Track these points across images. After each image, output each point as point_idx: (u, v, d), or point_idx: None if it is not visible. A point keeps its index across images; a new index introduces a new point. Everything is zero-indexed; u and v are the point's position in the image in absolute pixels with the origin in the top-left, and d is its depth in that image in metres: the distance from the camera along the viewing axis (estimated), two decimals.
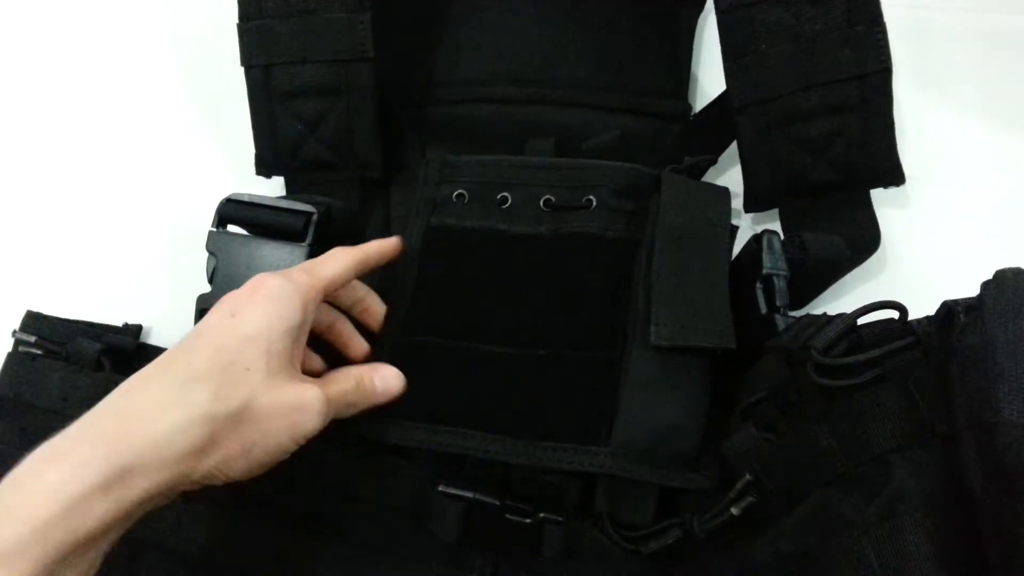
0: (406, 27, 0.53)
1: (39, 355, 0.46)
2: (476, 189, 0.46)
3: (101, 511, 0.30)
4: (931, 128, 0.52)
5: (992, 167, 0.52)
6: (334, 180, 0.50)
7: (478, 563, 0.41)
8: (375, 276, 0.45)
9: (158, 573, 0.41)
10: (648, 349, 0.40)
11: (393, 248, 0.45)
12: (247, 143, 0.51)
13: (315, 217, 0.47)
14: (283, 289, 0.37)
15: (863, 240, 0.47)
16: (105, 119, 0.58)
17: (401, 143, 0.52)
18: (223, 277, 0.46)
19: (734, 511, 0.37)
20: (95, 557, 0.31)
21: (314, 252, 0.46)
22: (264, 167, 0.51)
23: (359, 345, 0.44)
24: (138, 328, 0.50)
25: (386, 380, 0.40)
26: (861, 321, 0.36)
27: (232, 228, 0.48)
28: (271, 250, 0.47)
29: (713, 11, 0.46)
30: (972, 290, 0.32)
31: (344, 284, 0.42)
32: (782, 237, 0.44)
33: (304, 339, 0.38)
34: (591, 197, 0.45)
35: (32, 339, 0.47)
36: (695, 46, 0.55)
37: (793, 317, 0.40)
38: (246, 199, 0.47)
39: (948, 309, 0.32)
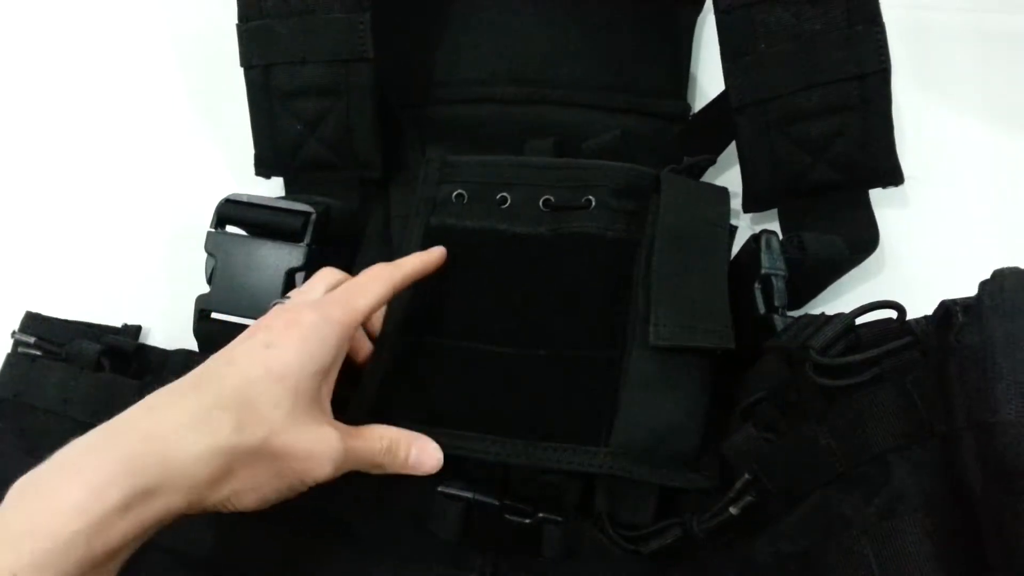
0: (406, 27, 0.53)
1: (39, 356, 0.46)
2: (476, 189, 0.46)
3: (121, 530, 0.30)
4: (931, 128, 0.52)
5: (991, 167, 0.52)
6: (334, 180, 0.50)
7: (478, 563, 0.41)
8: None
9: (158, 573, 0.41)
10: (648, 349, 0.40)
11: (437, 261, 0.44)
12: (247, 143, 0.51)
13: (314, 217, 0.47)
14: (319, 329, 0.36)
15: (862, 240, 0.47)
16: (105, 119, 0.58)
17: (401, 143, 0.52)
18: (222, 277, 0.46)
19: (733, 510, 0.37)
20: (112, 570, 0.31)
21: (313, 252, 0.47)
22: (264, 167, 0.51)
23: (365, 347, 0.44)
24: (137, 329, 0.50)
25: (422, 455, 0.39)
26: (859, 321, 0.36)
27: (231, 229, 0.48)
28: (270, 250, 0.47)
29: (712, 11, 0.46)
30: (970, 290, 0.32)
31: (380, 307, 0.41)
32: (781, 237, 0.44)
33: (335, 376, 0.38)
34: (591, 197, 0.45)
35: (31, 340, 0.47)
36: (695, 46, 0.55)
37: (791, 317, 0.40)
38: (245, 199, 0.48)
39: (946, 309, 0.32)
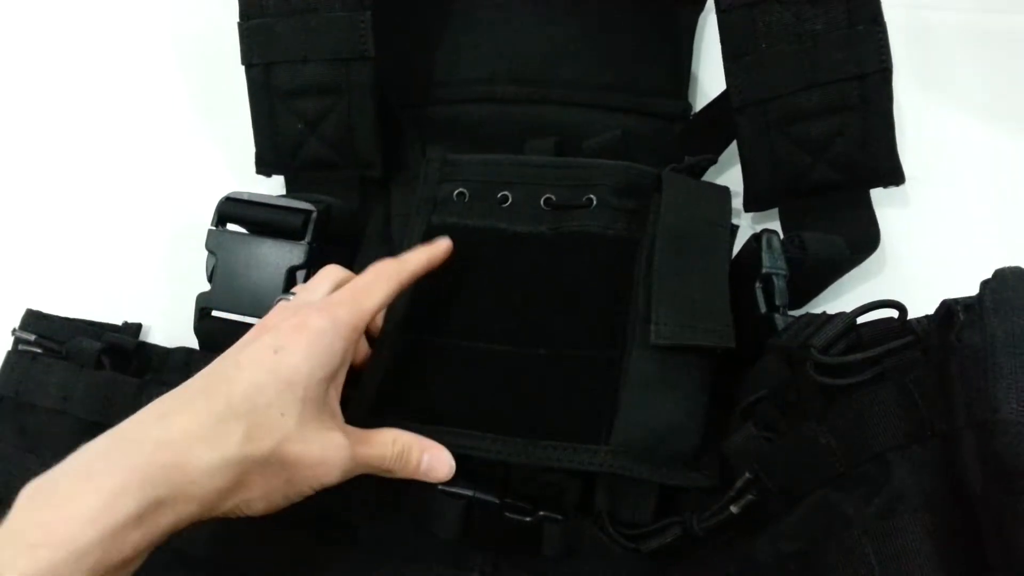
0: (406, 27, 0.53)
1: (39, 354, 0.46)
2: (477, 188, 0.46)
3: (135, 539, 0.30)
4: (932, 128, 0.52)
5: (992, 167, 0.52)
6: (334, 179, 0.50)
7: (478, 562, 0.41)
8: None
9: (158, 571, 0.41)
10: (648, 348, 0.40)
11: (443, 254, 0.43)
12: (247, 142, 0.51)
13: (314, 215, 0.47)
14: (327, 334, 0.36)
15: (863, 240, 0.47)
16: (105, 118, 0.58)
17: (401, 143, 0.52)
18: (223, 275, 0.46)
19: (733, 509, 0.37)
20: None
21: (313, 250, 0.47)
22: (264, 166, 0.51)
23: (363, 347, 0.44)
24: (137, 327, 0.50)
25: (434, 461, 0.39)
26: (861, 320, 0.36)
27: (231, 227, 0.48)
28: (270, 248, 0.47)
29: (713, 11, 0.46)
30: (971, 290, 0.32)
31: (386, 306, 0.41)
32: (781, 237, 0.44)
33: (343, 379, 0.38)
34: (591, 196, 0.45)
35: (32, 338, 0.46)
36: (695, 46, 0.55)
37: (792, 316, 0.40)
38: (245, 197, 0.48)
39: (947, 308, 0.32)
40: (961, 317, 0.31)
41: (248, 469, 0.33)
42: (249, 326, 0.45)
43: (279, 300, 0.40)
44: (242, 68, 0.49)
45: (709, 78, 0.55)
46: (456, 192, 0.47)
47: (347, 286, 0.39)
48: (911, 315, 0.35)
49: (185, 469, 0.31)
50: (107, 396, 0.44)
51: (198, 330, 0.47)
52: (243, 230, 0.48)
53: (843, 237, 0.46)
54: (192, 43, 0.59)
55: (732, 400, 0.41)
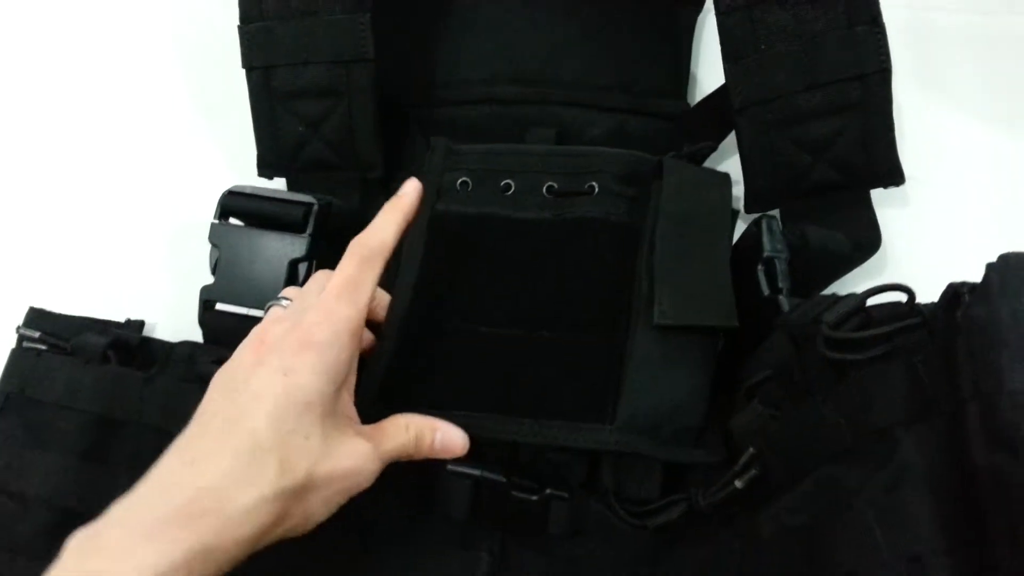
0: (406, 28, 0.54)
1: (44, 351, 0.46)
2: (480, 176, 0.47)
3: None
4: (931, 130, 0.52)
5: (992, 168, 0.52)
6: (336, 181, 0.50)
7: (486, 543, 0.41)
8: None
9: None
10: (651, 329, 0.40)
11: (412, 204, 0.41)
12: (248, 143, 0.51)
13: (315, 208, 0.47)
14: (333, 346, 0.36)
15: (864, 241, 0.47)
16: (107, 119, 0.59)
17: (405, 139, 0.52)
18: (226, 268, 0.47)
19: (738, 484, 0.37)
20: None
21: (314, 243, 0.47)
22: (266, 168, 0.51)
23: (367, 337, 0.44)
24: (140, 324, 0.50)
25: (446, 439, 0.39)
26: (870, 302, 0.36)
27: (233, 221, 0.48)
28: (272, 241, 0.47)
29: (709, 14, 0.46)
30: None
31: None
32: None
33: (353, 379, 0.38)
34: (593, 183, 0.45)
35: (36, 335, 0.47)
36: (695, 46, 0.55)
37: (796, 300, 0.40)
38: (248, 191, 0.48)
39: (953, 291, 0.33)
40: (967, 298, 0.31)
41: (287, 501, 0.33)
42: (251, 319, 0.46)
43: (271, 306, 0.40)
44: (243, 70, 0.49)
45: (708, 78, 0.55)
46: (460, 181, 0.47)
47: (335, 281, 0.38)
48: None
49: (226, 513, 0.31)
50: (114, 390, 0.44)
51: (202, 322, 0.47)
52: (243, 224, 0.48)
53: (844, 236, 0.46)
54: (195, 45, 0.60)
55: (737, 384, 0.41)
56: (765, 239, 0.42)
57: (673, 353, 0.40)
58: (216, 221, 0.48)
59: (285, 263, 0.46)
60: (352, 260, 0.38)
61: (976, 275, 0.32)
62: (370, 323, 0.44)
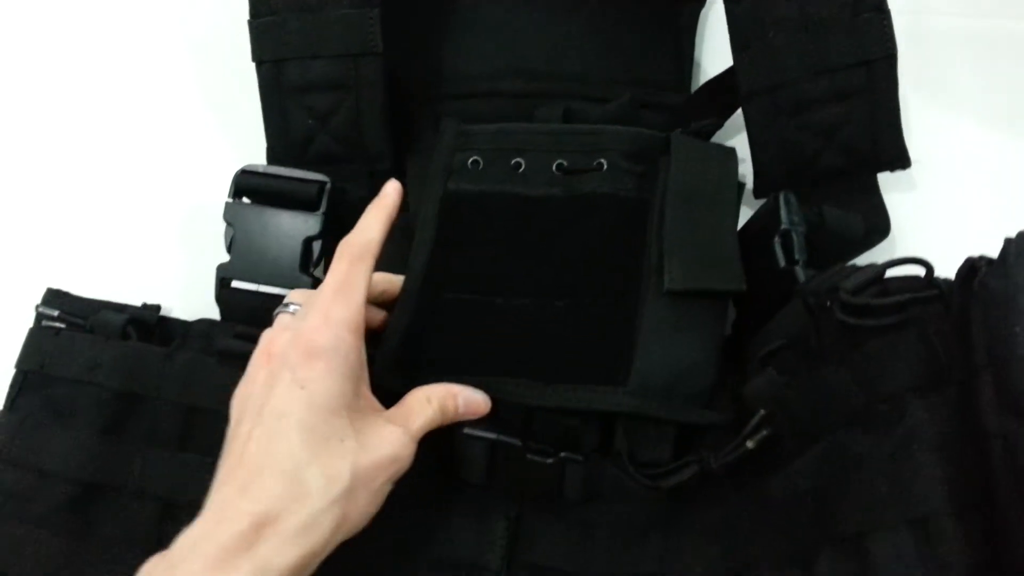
0: (411, 23, 0.54)
1: (63, 329, 0.47)
2: (490, 155, 0.47)
3: None
4: (931, 133, 0.52)
5: (992, 167, 0.53)
6: (345, 174, 0.50)
7: (502, 508, 0.42)
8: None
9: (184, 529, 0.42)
10: (662, 296, 0.41)
11: (394, 203, 0.42)
12: (258, 135, 0.51)
13: (328, 186, 0.48)
14: (338, 349, 0.36)
15: (872, 225, 0.47)
16: (119, 111, 0.59)
17: (414, 133, 0.52)
18: (241, 246, 0.47)
19: (750, 444, 0.38)
20: None
21: (328, 220, 0.48)
22: (276, 161, 0.51)
23: (376, 315, 0.44)
24: (157, 307, 0.50)
25: (468, 401, 0.40)
26: (888, 275, 0.37)
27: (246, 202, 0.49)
28: (287, 219, 0.47)
29: (713, 5, 0.46)
30: None
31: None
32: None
33: (366, 372, 0.38)
34: (602, 160, 0.46)
35: (55, 313, 0.47)
36: (699, 39, 0.56)
37: (812, 271, 0.41)
38: (261, 170, 0.48)
39: (971, 263, 0.33)
40: (984, 270, 0.32)
41: (341, 504, 0.34)
42: (267, 295, 0.47)
43: (279, 312, 0.40)
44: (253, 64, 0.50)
45: (712, 71, 0.55)
46: (471, 160, 0.47)
47: (328, 284, 0.38)
48: None
49: (285, 533, 0.32)
50: (134, 366, 0.45)
51: (219, 299, 0.47)
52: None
53: None
54: (206, 36, 0.60)
55: (751, 355, 0.42)
56: (783, 211, 0.42)
57: (684, 318, 0.41)
58: (230, 200, 0.48)
59: (300, 241, 0.47)
60: (342, 261, 0.39)
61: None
62: (382, 301, 0.45)
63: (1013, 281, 0.30)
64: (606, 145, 0.46)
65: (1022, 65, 0.55)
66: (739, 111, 0.49)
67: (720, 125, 0.50)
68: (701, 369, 0.41)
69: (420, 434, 0.38)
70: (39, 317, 0.48)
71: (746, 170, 0.48)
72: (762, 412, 0.38)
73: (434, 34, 0.55)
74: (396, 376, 0.42)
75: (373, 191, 0.50)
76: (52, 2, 0.62)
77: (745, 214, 0.47)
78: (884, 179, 0.48)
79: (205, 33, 0.60)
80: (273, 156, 0.51)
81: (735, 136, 0.51)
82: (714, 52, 0.56)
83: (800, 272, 0.41)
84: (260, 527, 0.32)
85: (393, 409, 0.39)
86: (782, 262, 0.41)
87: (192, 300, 0.49)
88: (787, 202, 0.43)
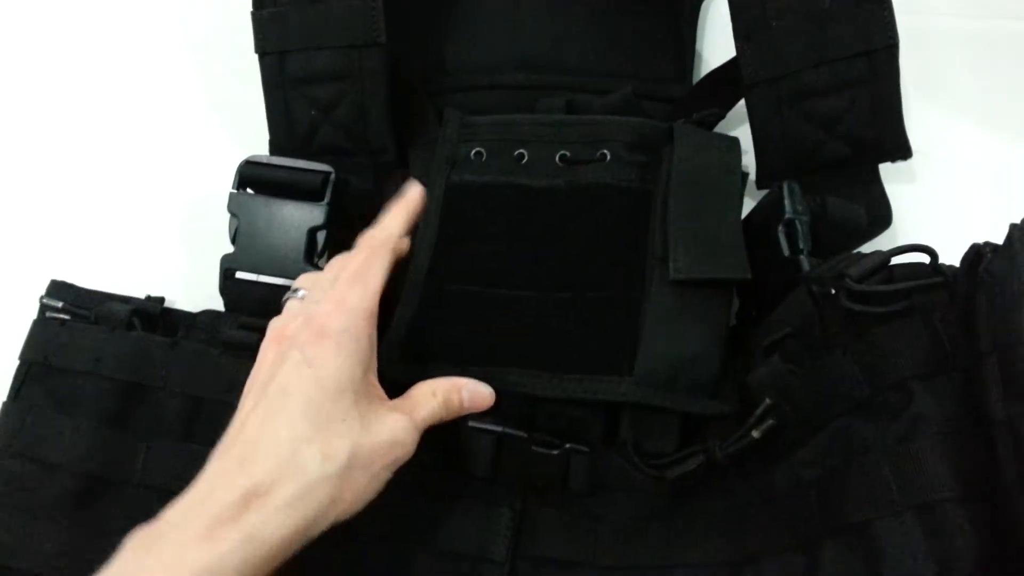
0: (415, 14, 0.54)
1: (67, 320, 0.47)
2: (494, 147, 0.47)
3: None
4: (931, 129, 0.52)
5: (992, 161, 0.53)
6: (348, 166, 0.50)
7: (507, 499, 0.42)
8: None
9: None
10: (666, 285, 0.41)
11: (418, 203, 0.44)
12: (260, 127, 0.51)
13: (332, 176, 0.48)
14: (349, 331, 0.37)
15: (874, 216, 0.47)
16: (121, 105, 0.59)
17: (419, 111, 0.52)
18: (245, 237, 0.47)
19: (755, 434, 0.38)
20: None
21: (332, 211, 0.47)
22: (278, 154, 0.51)
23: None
24: (161, 299, 0.50)
25: (473, 395, 0.40)
26: (893, 261, 0.37)
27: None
28: (291, 210, 0.47)
29: None
30: None
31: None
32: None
33: (375, 361, 0.38)
34: (605, 151, 0.46)
35: (59, 304, 0.47)
36: (701, 31, 0.56)
37: (816, 260, 0.41)
38: (265, 160, 0.48)
39: (976, 250, 0.33)
40: (989, 256, 0.32)
41: (334, 484, 0.34)
42: (271, 286, 0.46)
43: (287, 299, 0.40)
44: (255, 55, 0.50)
45: (714, 62, 0.55)
46: (474, 151, 0.47)
47: (347, 271, 0.39)
48: None
49: (274, 505, 0.32)
50: (139, 356, 0.45)
51: (223, 291, 0.47)
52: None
53: None
54: (209, 29, 0.60)
55: (755, 345, 0.42)
56: (787, 201, 0.42)
57: (688, 307, 0.41)
58: (235, 191, 0.48)
59: (304, 231, 0.47)
60: (361, 251, 0.40)
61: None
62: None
63: (1018, 267, 0.30)
64: (609, 136, 0.46)
65: (1021, 63, 0.55)
66: (741, 102, 0.49)
67: (722, 116, 0.50)
68: (706, 359, 0.41)
69: (424, 425, 0.38)
70: (43, 308, 0.48)
71: (748, 161, 0.48)
72: (767, 402, 0.38)
73: (437, 26, 0.55)
74: (401, 367, 0.42)
75: (377, 183, 0.51)
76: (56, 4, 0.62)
77: (747, 205, 0.47)
78: (885, 170, 0.48)
79: (208, 26, 0.60)
80: (276, 148, 0.51)
81: (738, 127, 0.51)
82: (716, 43, 0.56)
83: (804, 260, 0.41)
84: (250, 498, 0.32)
85: (399, 399, 0.39)
86: (786, 251, 0.42)
87: (196, 292, 0.49)
88: (791, 192, 0.43)
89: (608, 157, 0.45)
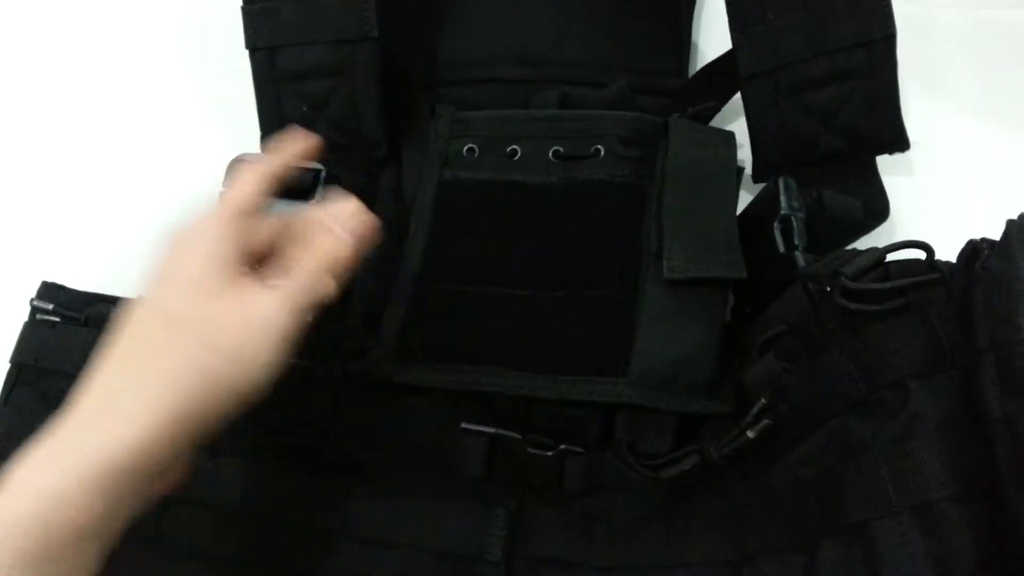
0: (408, 8, 0.53)
1: (58, 322, 0.46)
2: (487, 143, 0.47)
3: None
4: (929, 121, 0.52)
5: (990, 154, 0.52)
6: (341, 162, 0.50)
7: (503, 500, 0.41)
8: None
9: (188, 525, 0.42)
10: (661, 284, 0.41)
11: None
12: (252, 126, 0.51)
13: (323, 174, 0.47)
14: (199, 225, 0.36)
15: (871, 209, 0.47)
16: (112, 102, 0.58)
17: (412, 105, 0.52)
18: None
19: (750, 434, 0.38)
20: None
21: None
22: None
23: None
24: None
25: (349, 223, 0.37)
26: (888, 258, 0.37)
27: None
28: (281, 208, 0.47)
29: None
30: None
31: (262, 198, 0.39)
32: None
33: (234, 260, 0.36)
34: (599, 146, 0.45)
35: (50, 307, 0.47)
36: (698, 24, 0.55)
37: (812, 256, 0.41)
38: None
39: (973, 246, 0.33)
40: (986, 252, 0.32)
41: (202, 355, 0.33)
42: None
43: None
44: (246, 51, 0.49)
45: (710, 55, 0.55)
46: (466, 147, 0.47)
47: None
48: None
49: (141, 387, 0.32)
50: None
51: None
52: None
53: None
54: (199, 24, 0.59)
55: (751, 342, 0.41)
56: (782, 197, 0.42)
57: (683, 306, 0.41)
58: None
59: None
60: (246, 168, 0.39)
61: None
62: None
63: (1015, 263, 0.30)
64: (603, 130, 0.46)
65: (1019, 54, 0.55)
66: (738, 95, 0.49)
67: (719, 109, 0.50)
68: (702, 358, 0.40)
69: (304, 297, 0.35)
70: (34, 311, 0.47)
71: (745, 155, 0.48)
72: (763, 401, 0.38)
73: (431, 20, 0.55)
74: (394, 367, 0.42)
75: (369, 179, 0.50)
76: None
77: (744, 199, 0.47)
78: (882, 163, 0.48)
79: (198, 21, 0.60)
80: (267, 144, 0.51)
81: (734, 120, 0.51)
82: (712, 35, 0.55)
83: (800, 257, 0.40)
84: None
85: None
86: (782, 248, 0.41)
87: None
88: (786, 187, 0.42)
89: (602, 152, 0.45)
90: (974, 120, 0.53)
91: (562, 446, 0.41)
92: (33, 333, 0.46)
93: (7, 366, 0.46)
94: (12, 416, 0.44)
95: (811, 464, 0.37)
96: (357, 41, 0.48)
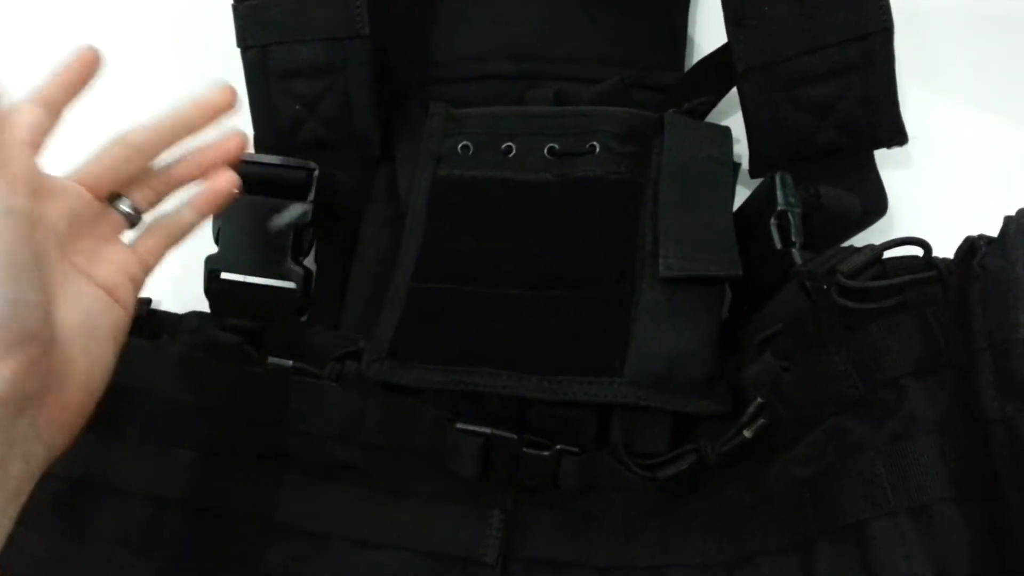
0: (400, 5, 0.53)
1: None
2: (481, 140, 0.47)
3: None
4: (927, 113, 0.51)
5: (989, 146, 0.52)
6: (334, 160, 0.50)
7: (499, 500, 0.41)
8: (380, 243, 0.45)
9: (176, 527, 0.42)
10: (657, 282, 0.41)
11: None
12: (244, 125, 0.50)
13: (316, 173, 0.47)
14: None
15: (869, 204, 0.47)
16: (101, 104, 0.57)
17: (404, 118, 0.51)
18: (228, 237, 0.47)
19: (747, 434, 0.38)
20: None
21: (317, 208, 0.47)
22: (263, 149, 0.51)
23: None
24: (148, 300, 0.50)
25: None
26: (886, 256, 0.36)
27: None
28: (274, 208, 0.47)
29: None
30: None
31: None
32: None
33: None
34: (594, 143, 0.45)
35: None
36: (694, 17, 0.55)
37: (809, 254, 0.40)
38: (247, 158, 0.47)
39: (971, 243, 0.33)
40: (984, 249, 0.32)
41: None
42: (257, 286, 0.46)
43: None
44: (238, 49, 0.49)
45: (706, 49, 0.54)
46: (460, 145, 0.47)
47: None
48: None
49: None
50: (124, 359, 0.44)
51: (208, 292, 0.47)
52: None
53: None
54: (190, 22, 0.59)
55: (747, 341, 0.41)
56: (779, 192, 0.42)
57: (679, 305, 0.40)
58: None
59: (289, 229, 0.46)
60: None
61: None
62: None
63: (1013, 260, 0.30)
64: (597, 127, 0.45)
65: (1019, 46, 0.54)
66: (734, 90, 0.48)
67: (715, 104, 0.50)
68: (698, 357, 0.40)
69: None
70: None
71: (741, 150, 0.47)
72: (759, 400, 0.37)
73: (423, 16, 0.54)
74: (388, 368, 0.41)
75: (363, 177, 0.50)
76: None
77: (741, 194, 0.46)
78: (881, 158, 0.48)
79: (188, 19, 0.59)
80: (260, 144, 0.50)
81: (730, 116, 0.51)
82: (708, 29, 0.55)
83: (796, 254, 0.40)
84: None
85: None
86: (778, 244, 0.41)
87: (183, 292, 0.48)
88: (783, 183, 0.42)
89: (598, 149, 0.45)
90: (973, 114, 0.53)
91: (558, 446, 0.40)
92: None
93: None
94: None
95: (808, 463, 0.37)
96: (348, 39, 0.48)
